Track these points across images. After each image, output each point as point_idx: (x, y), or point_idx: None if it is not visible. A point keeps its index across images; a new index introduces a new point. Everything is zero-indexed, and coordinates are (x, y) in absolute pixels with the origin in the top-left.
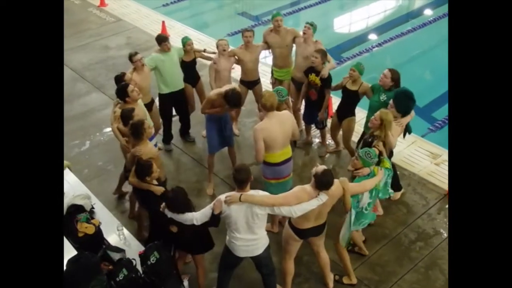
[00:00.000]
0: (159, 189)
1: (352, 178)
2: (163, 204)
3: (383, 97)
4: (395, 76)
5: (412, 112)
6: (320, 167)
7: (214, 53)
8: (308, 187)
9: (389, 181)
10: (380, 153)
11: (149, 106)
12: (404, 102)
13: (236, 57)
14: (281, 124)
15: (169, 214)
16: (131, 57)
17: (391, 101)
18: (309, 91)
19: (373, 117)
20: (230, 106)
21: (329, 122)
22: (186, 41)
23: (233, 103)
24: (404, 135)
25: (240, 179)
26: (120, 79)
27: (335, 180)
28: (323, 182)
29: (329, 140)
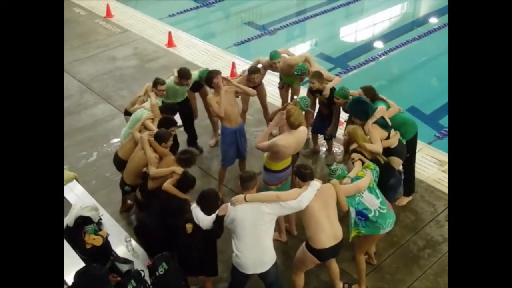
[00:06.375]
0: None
1: None
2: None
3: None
4: (368, 93)
5: (381, 107)
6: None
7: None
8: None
9: (377, 179)
10: (361, 161)
11: None
12: (358, 108)
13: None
14: (296, 142)
15: (193, 205)
16: (156, 84)
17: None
18: (320, 106)
19: (342, 133)
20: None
21: (339, 131)
22: (205, 76)
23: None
24: (389, 131)
25: (246, 178)
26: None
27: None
28: (300, 172)
29: (336, 149)
